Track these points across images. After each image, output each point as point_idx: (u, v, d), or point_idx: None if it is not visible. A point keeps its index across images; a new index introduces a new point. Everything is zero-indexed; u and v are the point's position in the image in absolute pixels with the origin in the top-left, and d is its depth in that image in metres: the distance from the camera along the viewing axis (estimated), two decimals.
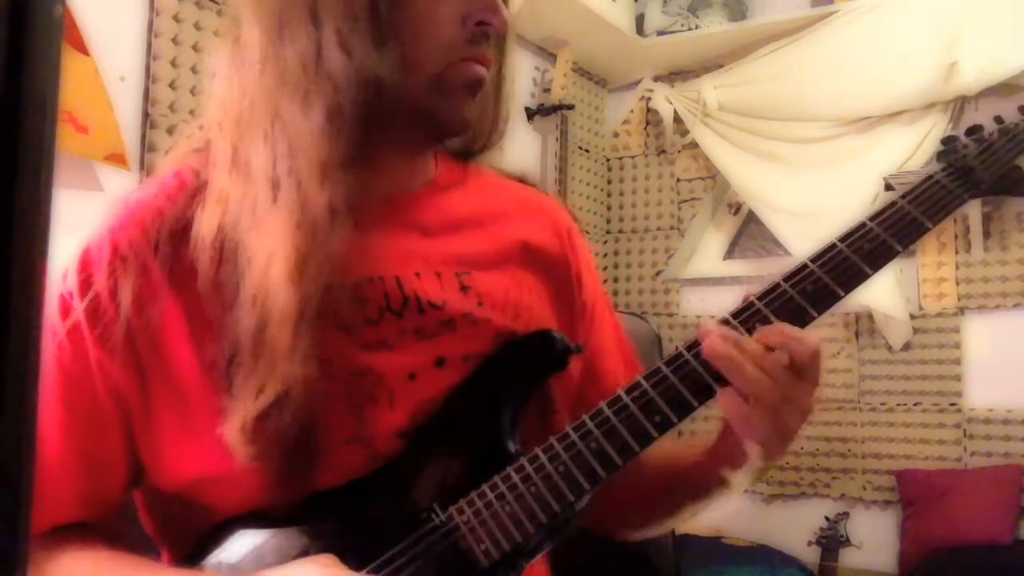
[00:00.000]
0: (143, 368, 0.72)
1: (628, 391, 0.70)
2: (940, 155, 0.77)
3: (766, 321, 0.69)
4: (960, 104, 2.83)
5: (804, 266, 0.70)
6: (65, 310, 0.71)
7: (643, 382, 0.70)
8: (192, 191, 0.74)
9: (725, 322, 0.70)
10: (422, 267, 0.77)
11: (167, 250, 0.72)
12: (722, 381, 0.68)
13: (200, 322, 0.71)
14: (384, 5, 0.71)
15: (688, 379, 0.69)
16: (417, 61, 0.73)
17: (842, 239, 0.71)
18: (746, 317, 0.70)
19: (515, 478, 0.69)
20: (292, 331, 0.67)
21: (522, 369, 0.77)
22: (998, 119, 0.80)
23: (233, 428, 0.66)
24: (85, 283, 0.71)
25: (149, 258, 0.72)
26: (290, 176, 0.70)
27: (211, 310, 0.70)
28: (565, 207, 0.95)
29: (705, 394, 0.69)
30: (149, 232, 0.72)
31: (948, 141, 0.78)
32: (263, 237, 0.69)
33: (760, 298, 0.70)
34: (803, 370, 0.68)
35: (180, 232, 0.72)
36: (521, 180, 0.93)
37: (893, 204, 0.73)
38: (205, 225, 0.71)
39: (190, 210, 0.73)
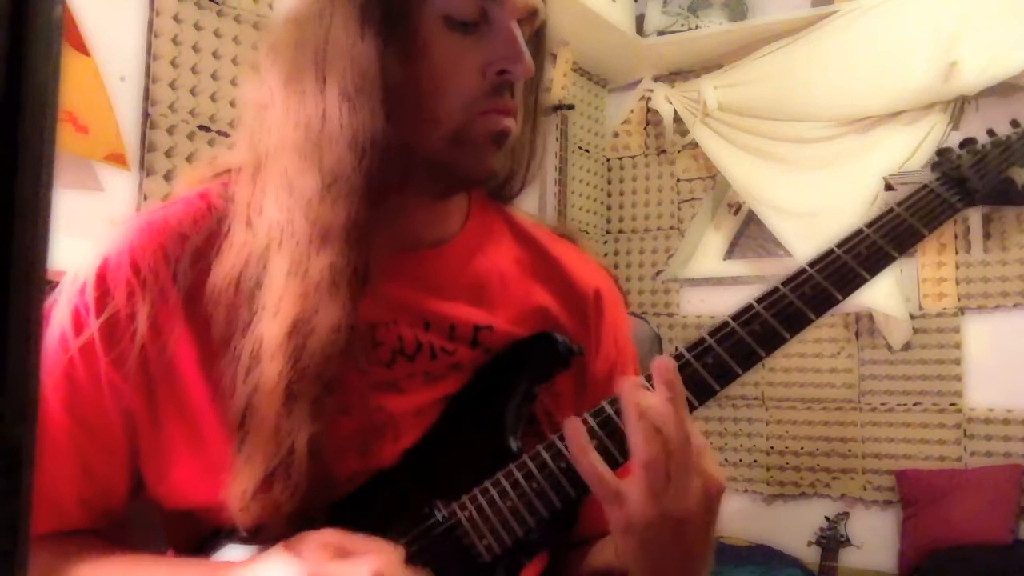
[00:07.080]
0: (155, 393, 0.71)
1: None
2: (935, 166, 0.80)
3: (765, 324, 0.70)
4: (960, 104, 2.82)
5: (803, 271, 0.72)
6: (79, 325, 0.70)
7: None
8: (218, 218, 0.73)
9: (724, 324, 0.70)
10: (439, 321, 0.77)
11: (186, 278, 0.71)
12: (723, 381, 0.68)
13: (212, 354, 0.70)
14: (393, 65, 0.68)
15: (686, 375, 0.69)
16: (435, 116, 0.71)
17: (839, 245, 0.73)
18: (747, 319, 0.71)
19: (517, 474, 0.70)
20: (281, 401, 0.65)
21: (524, 369, 0.78)
22: (990, 132, 0.83)
23: (234, 497, 0.66)
24: (101, 300, 0.70)
25: (168, 283, 0.71)
26: (292, 239, 0.68)
27: (222, 363, 0.69)
28: (604, 269, 0.91)
29: (706, 394, 0.69)
30: (170, 256, 0.71)
31: (942, 153, 0.81)
32: (268, 295, 0.68)
33: (759, 301, 0.71)
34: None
35: (201, 261, 0.71)
36: (560, 234, 0.90)
37: (890, 211, 0.75)
38: (221, 276, 0.70)
39: (214, 241, 0.71)
